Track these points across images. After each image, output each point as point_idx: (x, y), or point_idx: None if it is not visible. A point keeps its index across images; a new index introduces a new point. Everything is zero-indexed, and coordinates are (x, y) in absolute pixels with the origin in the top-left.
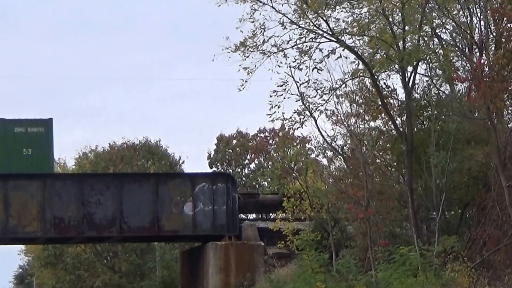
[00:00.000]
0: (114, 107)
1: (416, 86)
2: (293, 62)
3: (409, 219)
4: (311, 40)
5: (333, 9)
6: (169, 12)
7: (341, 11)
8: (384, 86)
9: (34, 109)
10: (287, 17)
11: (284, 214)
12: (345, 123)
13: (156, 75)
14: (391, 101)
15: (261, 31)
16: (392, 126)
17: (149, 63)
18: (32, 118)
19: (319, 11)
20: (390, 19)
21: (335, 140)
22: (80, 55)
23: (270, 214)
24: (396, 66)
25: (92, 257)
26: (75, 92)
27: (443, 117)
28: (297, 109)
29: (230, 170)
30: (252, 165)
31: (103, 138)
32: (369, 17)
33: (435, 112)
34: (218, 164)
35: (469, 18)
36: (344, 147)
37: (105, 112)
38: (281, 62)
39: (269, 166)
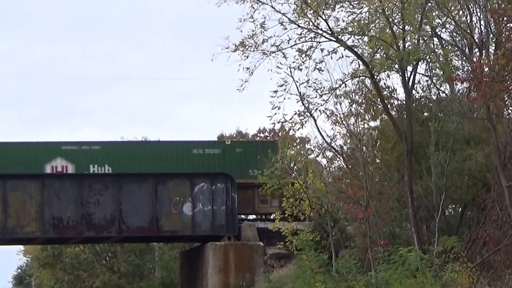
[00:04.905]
0: (118, 107)
1: (416, 86)
2: (293, 62)
3: (409, 219)
4: (310, 39)
5: (333, 9)
6: (170, 13)
7: (341, 10)
8: (384, 86)
9: (42, 109)
10: (286, 16)
11: (283, 214)
12: (344, 123)
13: (157, 75)
14: (391, 101)
15: (261, 31)
16: (392, 126)
17: (150, 63)
18: None
19: (319, 10)
20: (390, 19)
21: (334, 140)
22: (87, 54)
23: (270, 215)
24: (396, 66)
25: (91, 257)
26: (82, 91)
27: (442, 115)
28: (298, 111)
29: None
30: None
31: (110, 138)
32: (369, 17)
33: (435, 112)
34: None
35: (469, 18)
36: (344, 147)
37: (111, 112)
38: (280, 63)
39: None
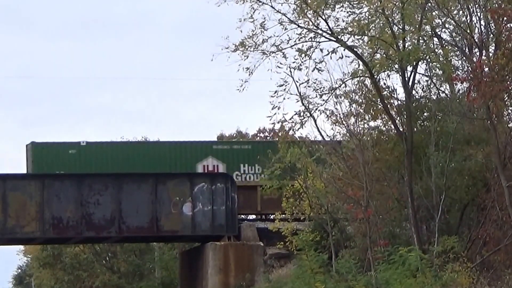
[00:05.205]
0: (119, 107)
1: (416, 86)
2: (293, 62)
3: (409, 219)
4: (310, 39)
5: (333, 9)
6: (170, 13)
7: (341, 10)
8: (384, 86)
9: (46, 108)
10: (286, 16)
11: (283, 214)
12: (344, 123)
13: (157, 75)
14: (391, 101)
15: (261, 31)
16: (392, 126)
17: (150, 63)
18: None
19: (319, 10)
20: (390, 19)
21: (334, 140)
22: (88, 54)
23: (270, 215)
24: (396, 66)
25: (91, 257)
26: (83, 91)
27: (442, 115)
28: (298, 111)
29: None
30: None
31: (114, 137)
32: (369, 17)
33: (435, 112)
34: None
35: (469, 18)
36: (344, 148)
37: (111, 111)
38: (280, 63)
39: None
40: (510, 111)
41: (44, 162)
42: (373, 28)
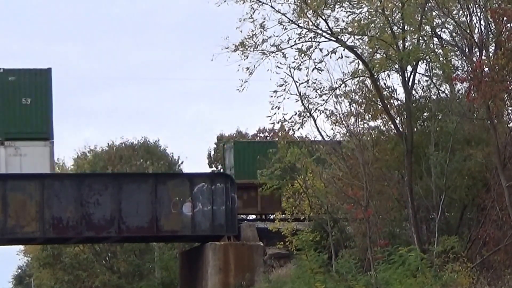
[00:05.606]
0: (119, 107)
1: (416, 86)
2: (293, 62)
3: (409, 219)
4: (310, 39)
5: (333, 8)
6: (171, 13)
7: (341, 10)
8: (384, 86)
9: None
10: (286, 16)
11: (283, 214)
12: (344, 123)
13: (158, 75)
14: (391, 101)
15: (261, 31)
16: (392, 126)
17: (150, 63)
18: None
19: (318, 10)
20: (390, 19)
21: (334, 140)
22: (89, 54)
23: (269, 215)
24: (396, 66)
25: (90, 257)
26: (84, 91)
27: (442, 115)
28: (298, 111)
29: None
30: None
31: (111, 138)
32: (369, 17)
33: (435, 112)
34: (218, 164)
35: (469, 18)
36: (344, 148)
37: (112, 112)
38: (280, 63)
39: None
40: (510, 111)
41: (245, 161)
42: (373, 28)
